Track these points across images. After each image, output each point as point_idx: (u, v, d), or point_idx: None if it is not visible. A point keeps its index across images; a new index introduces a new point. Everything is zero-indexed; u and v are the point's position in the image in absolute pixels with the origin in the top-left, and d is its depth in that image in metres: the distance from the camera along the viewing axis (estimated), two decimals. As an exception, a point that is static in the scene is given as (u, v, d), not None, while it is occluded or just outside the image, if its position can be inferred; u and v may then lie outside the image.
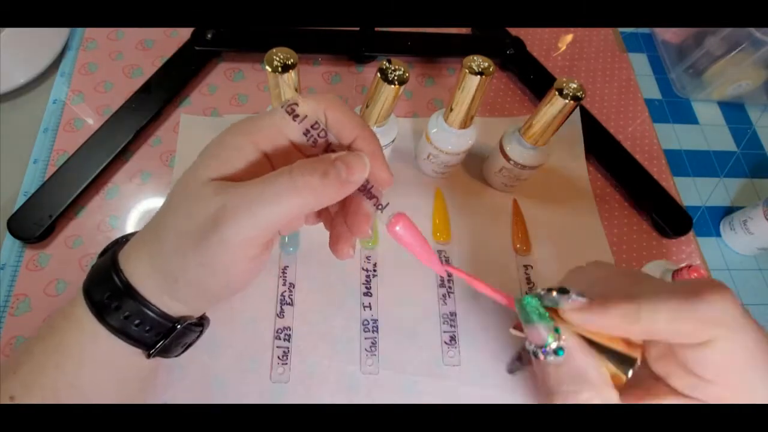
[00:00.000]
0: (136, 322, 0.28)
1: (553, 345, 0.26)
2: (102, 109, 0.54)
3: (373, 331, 0.45)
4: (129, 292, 0.28)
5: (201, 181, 0.26)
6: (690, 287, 0.25)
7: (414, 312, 0.47)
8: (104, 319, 0.28)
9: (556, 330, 0.26)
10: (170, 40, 0.59)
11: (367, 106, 0.43)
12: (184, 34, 0.59)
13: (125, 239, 0.31)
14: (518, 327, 0.29)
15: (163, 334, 0.29)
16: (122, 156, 0.51)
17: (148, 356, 0.30)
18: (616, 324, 0.26)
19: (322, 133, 0.28)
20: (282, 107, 0.27)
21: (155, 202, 0.50)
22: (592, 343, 0.26)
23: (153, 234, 0.28)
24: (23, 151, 0.51)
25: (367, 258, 0.49)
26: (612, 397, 0.26)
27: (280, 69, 0.38)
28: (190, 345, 0.33)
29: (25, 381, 0.28)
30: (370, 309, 0.46)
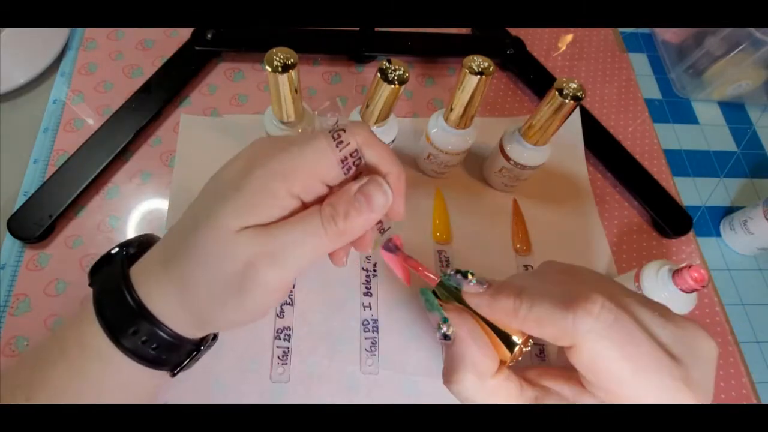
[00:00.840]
0: (152, 344, 0.28)
1: (442, 330, 0.29)
2: (102, 109, 0.54)
3: (373, 331, 0.45)
4: (147, 318, 0.28)
5: (234, 228, 0.26)
6: (569, 296, 0.26)
7: (414, 312, 0.47)
8: (121, 343, 0.28)
9: (444, 319, 0.29)
10: (170, 40, 0.59)
11: (367, 106, 0.43)
12: (184, 34, 0.59)
13: (126, 251, 0.31)
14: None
15: (186, 355, 0.31)
16: (122, 156, 0.51)
17: (173, 375, 0.31)
18: (499, 315, 0.28)
19: (358, 161, 0.28)
20: (330, 132, 0.28)
21: (155, 203, 0.50)
22: (489, 324, 0.29)
23: (177, 274, 0.28)
24: (23, 151, 0.51)
25: (367, 258, 0.49)
26: (486, 385, 0.28)
27: (280, 69, 0.38)
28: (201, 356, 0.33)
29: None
30: (370, 309, 0.46)
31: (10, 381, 0.29)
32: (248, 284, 0.26)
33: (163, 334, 0.28)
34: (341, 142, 0.27)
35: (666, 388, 0.24)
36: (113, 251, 0.32)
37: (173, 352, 0.30)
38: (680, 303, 0.43)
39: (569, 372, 0.28)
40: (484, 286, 0.29)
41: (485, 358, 0.28)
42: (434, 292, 0.31)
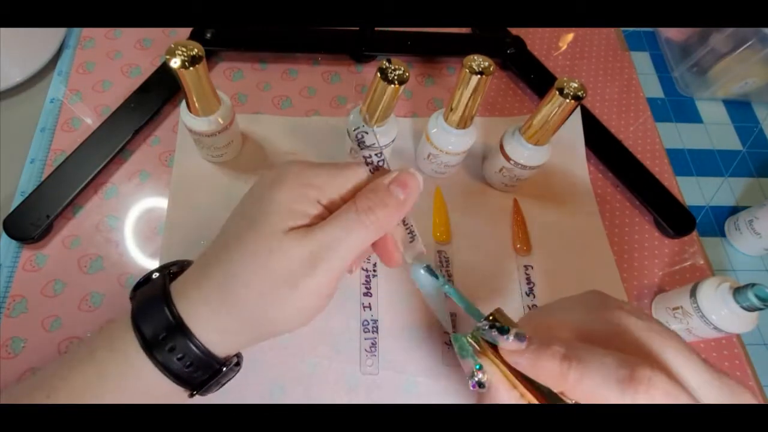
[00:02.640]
0: (184, 360, 0.28)
1: (475, 378, 0.28)
2: (100, 109, 0.54)
3: (373, 332, 0.45)
4: (183, 331, 0.28)
5: (281, 231, 0.28)
6: (630, 369, 0.24)
7: (414, 312, 0.46)
8: (153, 355, 0.28)
9: (478, 366, 0.28)
10: (169, 39, 0.59)
11: (367, 106, 0.42)
12: (183, 33, 0.59)
13: (168, 271, 0.32)
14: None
15: (210, 375, 0.30)
16: (120, 156, 0.51)
17: (191, 395, 0.30)
18: (543, 377, 0.27)
19: (381, 157, 0.31)
20: (354, 130, 0.32)
21: (154, 202, 0.50)
22: (524, 378, 0.28)
23: (219, 278, 0.28)
24: (20, 150, 0.51)
25: (368, 258, 0.48)
26: None
27: (187, 64, 0.38)
28: (226, 383, 0.33)
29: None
30: (370, 309, 0.46)
31: (35, 381, 0.29)
32: (307, 277, 0.27)
33: (195, 348, 0.28)
34: (363, 141, 0.31)
35: None
36: (154, 273, 0.32)
37: (200, 370, 0.29)
38: (741, 321, 0.42)
39: None
40: (524, 343, 0.27)
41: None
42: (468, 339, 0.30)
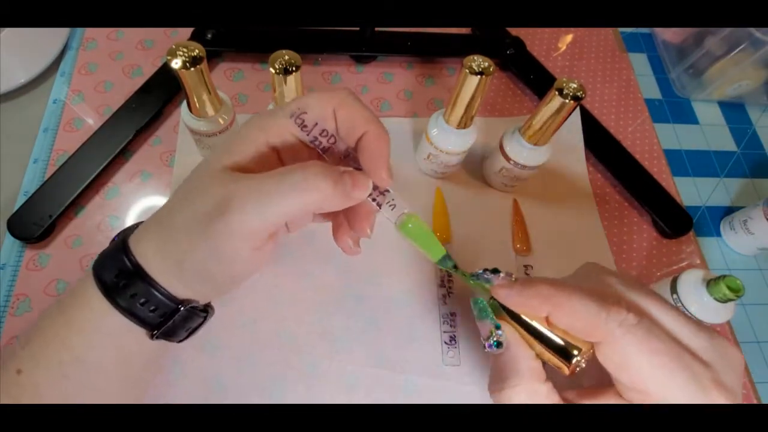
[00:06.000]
0: (142, 301, 0.28)
1: (494, 338, 0.30)
2: (102, 109, 0.54)
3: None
4: (138, 272, 0.28)
5: (214, 169, 0.27)
6: (607, 294, 0.27)
7: (414, 312, 0.47)
8: (113, 298, 0.28)
9: (497, 326, 0.30)
10: (170, 39, 0.59)
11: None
12: (184, 34, 0.59)
13: (137, 226, 0.31)
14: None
15: (168, 315, 0.29)
16: (122, 156, 0.51)
17: (152, 337, 0.30)
18: (531, 303, 0.28)
19: (331, 140, 0.28)
20: (291, 117, 0.28)
21: (155, 202, 0.50)
22: (537, 334, 0.29)
23: (163, 218, 0.29)
24: (23, 150, 0.51)
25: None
26: (539, 390, 0.28)
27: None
28: (194, 330, 0.32)
29: (33, 354, 0.28)
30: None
31: (12, 345, 0.30)
32: (215, 221, 0.26)
33: (156, 293, 0.28)
34: (305, 126, 0.28)
35: (698, 388, 0.25)
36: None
37: (160, 310, 0.29)
38: (714, 313, 0.43)
39: (604, 389, 0.28)
40: (513, 277, 0.30)
41: (538, 363, 0.29)
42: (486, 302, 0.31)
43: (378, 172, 0.29)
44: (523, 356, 0.29)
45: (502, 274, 0.30)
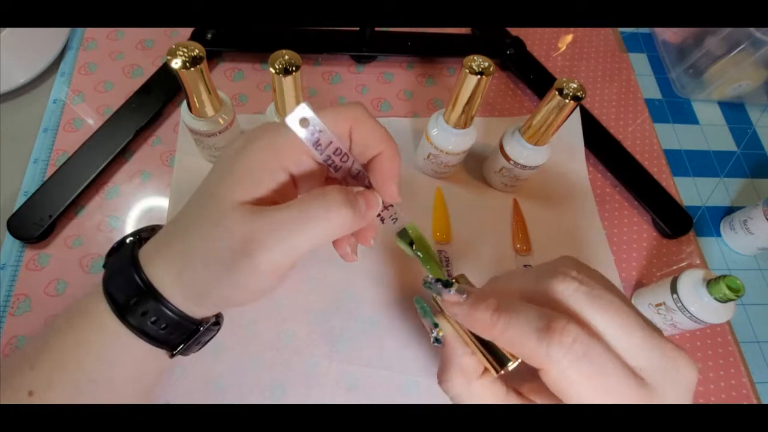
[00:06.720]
0: (158, 322, 0.28)
1: (432, 335, 0.31)
2: (102, 109, 0.54)
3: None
4: (153, 295, 0.28)
5: (230, 203, 0.26)
6: (547, 320, 0.25)
7: (414, 313, 0.46)
8: (126, 320, 0.28)
9: (435, 324, 0.31)
10: (170, 39, 0.59)
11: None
12: (184, 34, 0.59)
13: (138, 236, 0.31)
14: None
15: (186, 336, 0.30)
16: (122, 156, 0.51)
17: (171, 356, 0.30)
18: (476, 327, 0.28)
19: (344, 158, 0.28)
20: (306, 137, 0.27)
21: (155, 202, 0.50)
22: (476, 338, 0.29)
23: (177, 245, 0.28)
24: (23, 150, 0.51)
25: (367, 258, 0.49)
26: (473, 385, 0.29)
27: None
28: (207, 342, 0.33)
29: (45, 376, 0.28)
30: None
31: (18, 355, 0.29)
32: (240, 262, 0.26)
33: (168, 311, 0.28)
34: (319, 144, 0.27)
35: None
36: (127, 238, 0.32)
37: (176, 332, 0.29)
38: (714, 313, 0.43)
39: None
40: (464, 296, 0.29)
41: (471, 360, 0.29)
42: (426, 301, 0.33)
43: (389, 190, 0.30)
44: (458, 353, 0.30)
45: (452, 291, 0.29)
